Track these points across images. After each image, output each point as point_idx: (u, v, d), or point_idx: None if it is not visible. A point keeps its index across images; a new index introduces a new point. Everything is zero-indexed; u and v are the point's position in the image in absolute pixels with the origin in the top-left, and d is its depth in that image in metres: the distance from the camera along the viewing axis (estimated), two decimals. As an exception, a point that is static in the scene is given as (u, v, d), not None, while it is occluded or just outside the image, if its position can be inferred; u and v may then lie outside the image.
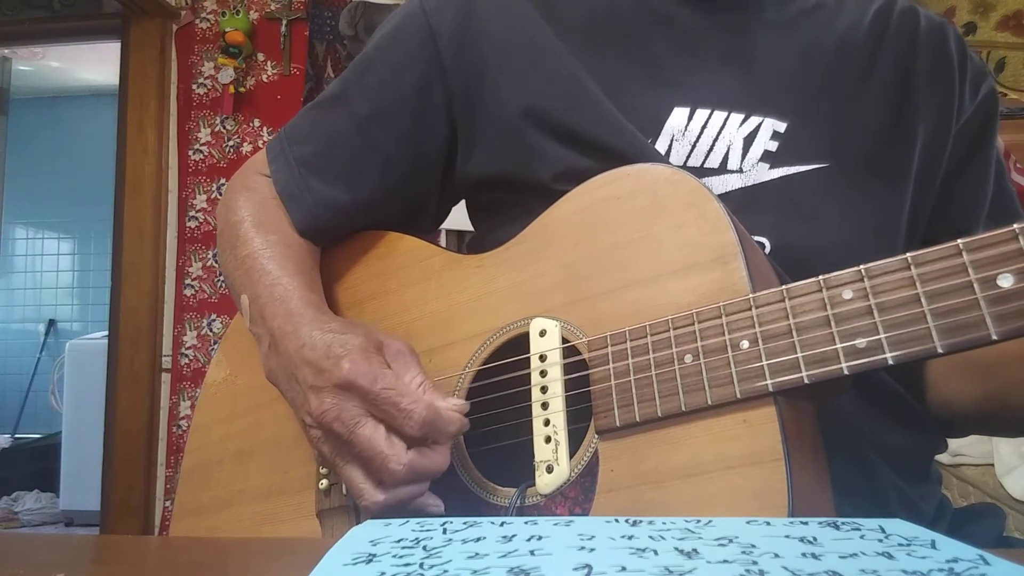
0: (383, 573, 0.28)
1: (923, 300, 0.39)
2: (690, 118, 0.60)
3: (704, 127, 0.60)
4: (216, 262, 2.49)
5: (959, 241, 0.38)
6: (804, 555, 0.29)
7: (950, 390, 0.61)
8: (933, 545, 0.30)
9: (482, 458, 0.55)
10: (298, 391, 0.53)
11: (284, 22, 2.52)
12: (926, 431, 0.62)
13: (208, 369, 0.74)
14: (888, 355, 0.39)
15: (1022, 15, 2.40)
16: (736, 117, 0.60)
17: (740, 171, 0.59)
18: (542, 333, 0.52)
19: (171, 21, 2.56)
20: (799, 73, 0.62)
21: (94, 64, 4.18)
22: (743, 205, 0.57)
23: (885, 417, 0.58)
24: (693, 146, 0.60)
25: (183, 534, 0.70)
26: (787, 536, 0.31)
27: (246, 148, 2.51)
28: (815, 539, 0.31)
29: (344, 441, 0.49)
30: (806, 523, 0.34)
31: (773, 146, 0.59)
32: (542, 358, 0.52)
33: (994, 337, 0.37)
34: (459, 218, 0.78)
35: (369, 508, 0.49)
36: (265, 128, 2.51)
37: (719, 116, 0.60)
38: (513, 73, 0.62)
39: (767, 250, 0.57)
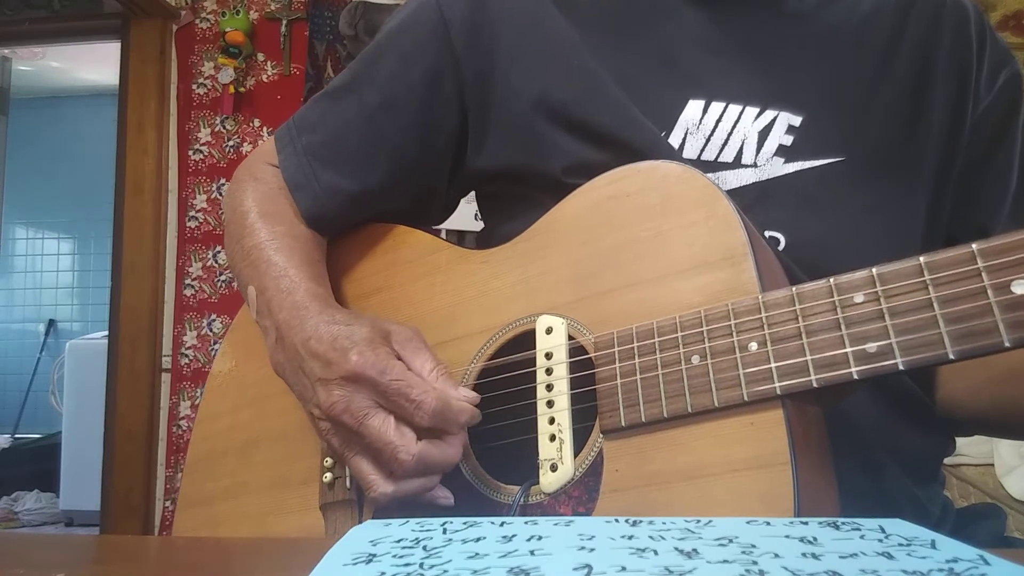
0: (383, 573, 0.28)
1: (936, 305, 0.38)
2: (705, 111, 0.59)
3: (719, 120, 0.59)
4: (216, 262, 2.49)
5: (973, 245, 0.38)
6: (804, 555, 0.29)
7: (961, 392, 0.60)
8: (933, 545, 0.30)
9: (487, 455, 0.54)
10: (306, 384, 0.53)
11: (284, 22, 2.51)
12: (938, 432, 0.61)
13: (214, 360, 0.74)
14: (899, 360, 0.39)
15: (1022, 15, 2.40)
16: (751, 111, 0.59)
17: (755, 165, 0.58)
18: (548, 330, 0.52)
19: (171, 21, 2.56)
20: (817, 65, 0.61)
21: (94, 64, 4.17)
22: (757, 200, 0.56)
23: (901, 418, 0.57)
24: (708, 139, 0.59)
25: (187, 525, 0.69)
26: (787, 536, 0.31)
27: (246, 148, 2.50)
28: (815, 539, 0.31)
29: (353, 433, 0.49)
30: (806, 523, 0.34)
31: (788, 140, 0.59)
32: (548, 356, 0.52)
33: (1007, 344, 0.36)
34: (459, 218, 0.78)
35: (378, 500, 0.49)
36: (265, 128, 2.51)
37: (734, 109, 0.59)
38: (526, 63, 0.62)
39: (781, 246, 0.56)
